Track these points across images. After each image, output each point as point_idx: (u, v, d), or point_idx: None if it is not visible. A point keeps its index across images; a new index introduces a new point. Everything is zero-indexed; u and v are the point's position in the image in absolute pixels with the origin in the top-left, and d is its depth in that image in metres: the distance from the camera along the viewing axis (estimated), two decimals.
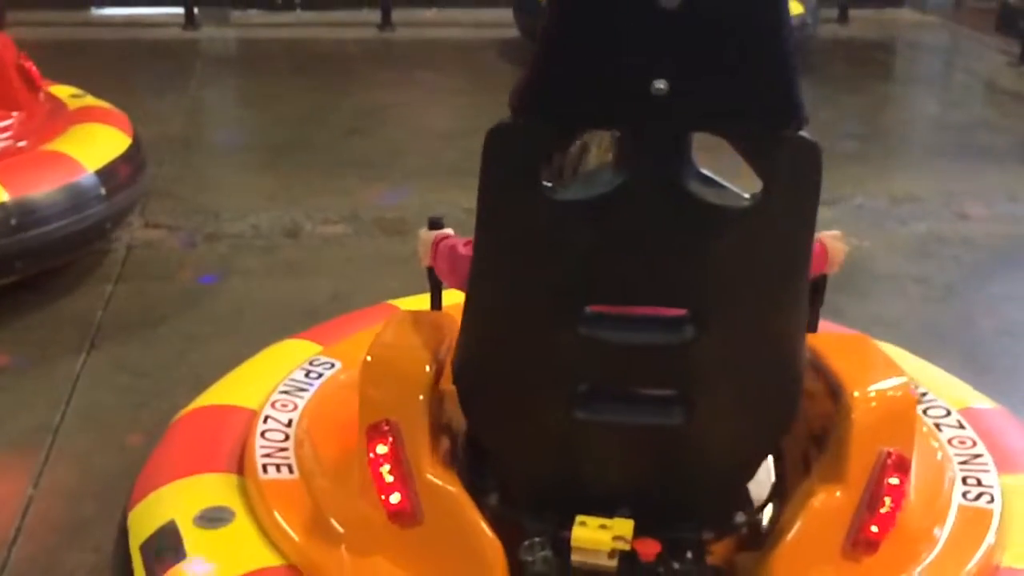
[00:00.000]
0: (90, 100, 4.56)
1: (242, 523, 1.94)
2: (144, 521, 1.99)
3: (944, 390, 2.40)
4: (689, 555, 1.75)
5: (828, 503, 1.76)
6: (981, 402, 2.40)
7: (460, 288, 1.81)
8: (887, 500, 1.76)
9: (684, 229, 1.56)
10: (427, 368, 1.78)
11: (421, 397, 1.76)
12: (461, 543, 1.74)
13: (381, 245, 4.53)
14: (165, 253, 4.46)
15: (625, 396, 1.71)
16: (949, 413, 2.30)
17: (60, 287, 4.07)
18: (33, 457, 3.02)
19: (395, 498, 1.76)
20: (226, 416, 2.29)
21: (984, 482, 2.07)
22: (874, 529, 1.77)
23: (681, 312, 1.62)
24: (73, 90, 4.64)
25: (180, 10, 8.69)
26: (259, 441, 2.12)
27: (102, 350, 3.63)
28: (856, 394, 1.78)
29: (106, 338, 3.71)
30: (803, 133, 1.52)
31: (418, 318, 1.95)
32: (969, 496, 2.02)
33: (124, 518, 2.06)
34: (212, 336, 3.71)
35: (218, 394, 2.41)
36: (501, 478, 1.84)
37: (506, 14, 8.15)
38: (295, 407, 2.24)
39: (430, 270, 2.05)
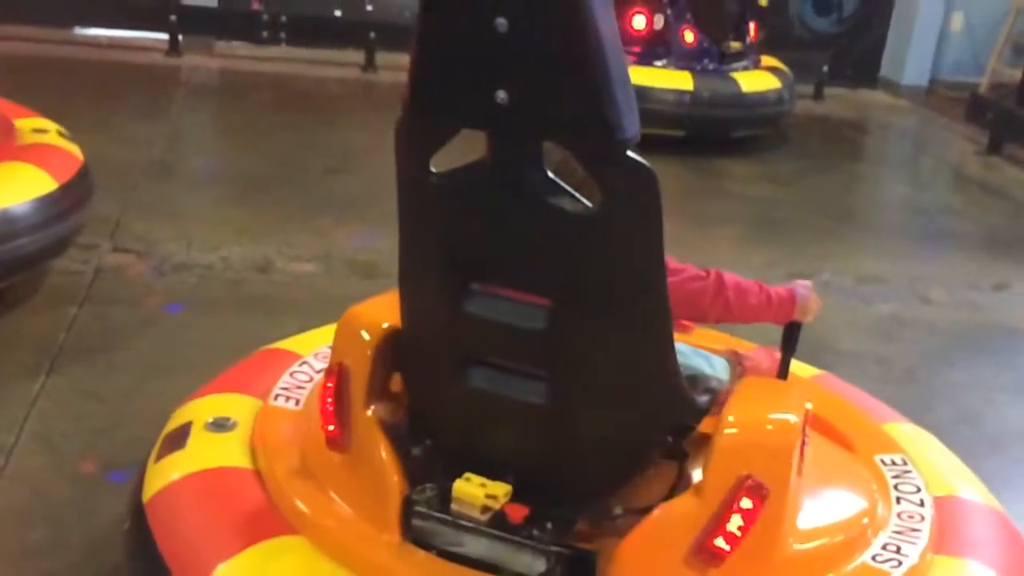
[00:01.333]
0: (51, 139, 4.25)
1: (239, 434, 2.36)
2: (175, 420, 2.48)
3: (937, 475, 2.48)
4: (549, 526, 1.92)
5: (677, 508, 1.90)
6: (974, 495, 2.46)
7: None
8: (736, 518, 1.85)
9: (530, 226, 1.78)
10: (382, 327, 2.09)
11: (369, 352, 2.08)
12: (372, 474, 2.05)
13: (351, 286, 4.52)
14: (133, 279, 4.43)
15: (501, 371, 1.92)
16: (918, 490, 2.39)
17: (23, 305, 4.03)
18: None
19: (331, 427, 2.11)
20: (280, 358, 2.73)
21: (903, 551, 2.15)
22: (718, 542, 1.86)
23: (542, 301, 1.82)
24: (41, 124, 4.39)
25: (164, 36, 8.70)
26: (285, 377, 2.57)
27: (62, 373, 3.59)
28: (730, 417, 1.91)
29: (67, 361, 3.67)
30: (632, 155, 1.67)
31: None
32: (878, 559, 2.12)
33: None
34: (174, 367, 3.67)
35: (289, 342, 2.85)
36: (424, 433, 2.10)
37: None
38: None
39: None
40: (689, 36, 7.35)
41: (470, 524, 1.94)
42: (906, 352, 4.51)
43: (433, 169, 1.82)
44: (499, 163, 1.75)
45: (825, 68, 9.63)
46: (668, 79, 7.09)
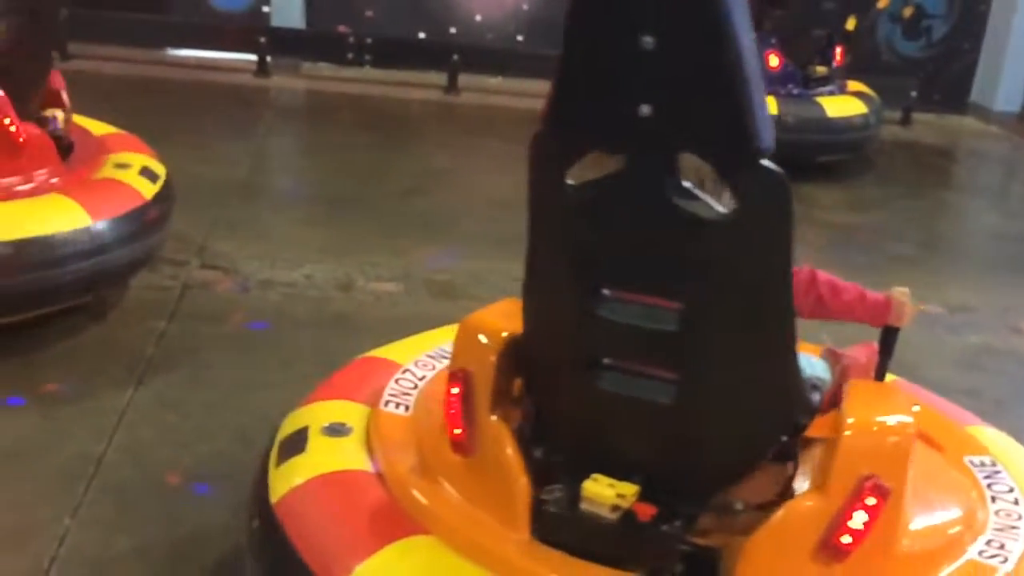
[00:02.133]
0: (125, 175, 4.17)
1: (355, 438, 2.45)
2: (289, 425, 2.55)
3: None
4: (678, 523, 2.00)
5: (804, 506, 1.97)
6: None
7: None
8: (860, 515, 1.93)
9: (666, 232, 1.85)
10: (503, 335, 2.16)
11: (492, 358, 2.15)
12: (500, 476, 2.11)
13: (429, 307, 4.56)
14: (219, 295, 4.52)
15: (630, 373, 2.00)
16: (1012, 490, 2.44)
17: (115, 319, 4.14)
18: (73, 487, 3.05)
19: (457, 431, 2.16)
20: (381, 366, 2.81)
21: (1007, 547, 2.21)
22: (845, 539, 1.94)
23: (674, 305, 1.90)
24: (131, 159, 4.32)
25: (253, 57, 8.91)
26: (391, 384, 2.66)
27: (149, 386, 3.68)
28: (851, 420, 1.98)
29: (154, 374, 3.76)
30: (767, 163, 1.75)
31: (515, 303, 2.27)
32: (984, 554, 2.18)
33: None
34: (257, 383, 3.74)
35: (387, 350, 2.92)
36: (547, 436, 2.18)
37: None
38: (434, 368, 2.74)
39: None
40: (774, 60, 7.28)
41: (601, 522, 2.01)
42: (995, 383, 4.39)
43: (570, 181, 1.90)
44: (637, 174, 1.83)
45: (913, 93, 9.47)
46: None
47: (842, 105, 7.36)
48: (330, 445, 2.43)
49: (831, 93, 7.43)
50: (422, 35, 9.55)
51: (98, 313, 4.12)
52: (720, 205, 1.85)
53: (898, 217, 6.74)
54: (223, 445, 3.33)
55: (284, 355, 4.00)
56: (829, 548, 1.94)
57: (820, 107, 7.20)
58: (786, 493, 2.08)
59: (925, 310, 2.32)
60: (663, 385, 1.97)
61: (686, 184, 1.84)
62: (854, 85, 7.77)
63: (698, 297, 1.88)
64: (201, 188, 5.39)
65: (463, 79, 8.95)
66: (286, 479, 2.34)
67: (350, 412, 2.56)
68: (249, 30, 9.05)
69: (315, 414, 2.56)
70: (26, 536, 2.82)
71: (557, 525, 2.06)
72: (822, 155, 7.34)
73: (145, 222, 4.06)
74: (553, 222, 1.96)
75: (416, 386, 2.66)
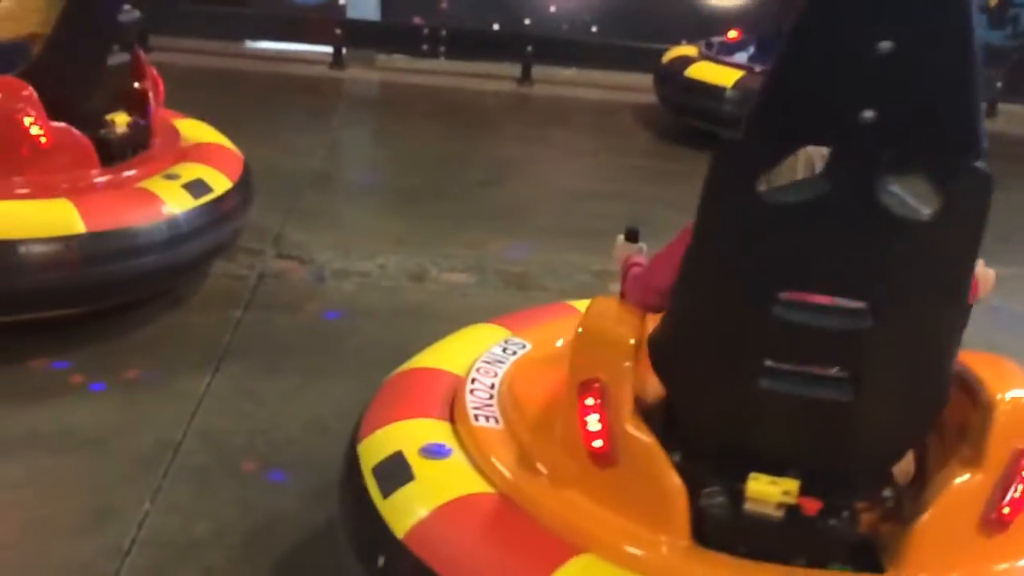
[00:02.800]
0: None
1: (459, 458, 2.36)
2: (374, 450, 2.42)
3: None
4: (845, 515, 2.03)
5: (967, 484, 2.06)
6: None
7: (645, 309, 2.24)
8: (1020, 487, 2.04)
9: (870, 233, 1.86)
10: (631, 340, 2.14)
11: (627, 363, 2.12)
12: (650, 484, 2.09)
13: (503, 298, 4.56)
14: (294, 284, 4.58)
15: (804, 372, 2.01)
16: None
17: (193, 307, 4.22)
18: (153, 472, 3.11)
19: (598, 443, 2.12)
20: (435, 377, 2.72)
21: None
22: (1006, 510, 2.05)
23: (859, 304, 1.91)
24: (180, 170, 4.28)
25: (329, 49, 8.99)
26: (469, 397, 2.55)
27: (226, 374, 3.74)
28: (998, 396, 2.08)
29: (231, 362, 3.82)
30: (980, 164, 1.77)
31: (616, 303, 2.33)
32: None
33: (353, 450, 2.48)
34: (332, 372, 3.78)
35: (426, 359, 2.82)
36: (686, 438, 2.14)
37: (645, 79, 8.19)
38: (496, 374, 2.66)
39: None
40: None
41: (768, 521, 2.03)
42: None
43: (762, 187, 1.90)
44: (846, 177, 1.83)
45: (999, 84, 9.21)
46: None
47: None
48: (437, 468, 2.33)
49: None
50: (496, 26, 9.54)
51: (176, 302, 4.19)
52: (922, 205, 1.86)
53: None
54: (297, 433, 3.38)
55: (357, 344, 4.03)
56: (992, 521, 2.06)
57: None
58: (921, 475, 2.17)
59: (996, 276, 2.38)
60: (835, 382, 1.99)
61: (893, 187, 1.85)
62: None
63: (887, 295, 1.90)
64: (276, 179, 5.45)
65: (537, 70, 8.93)
66: (407, 511, 2.23)
67: (434, 431, 2.47)
68: (325, 22, 9.12)
69: (399, 436, 2.45)
70: (108, 519, 2.89)
71: (722, 527, 2.05)
72: None
73: (146, 245, 3.89)
74: (734, 228, 1.93)
75: (491, 396, 2.57)
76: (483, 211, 5.74)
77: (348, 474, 2.45)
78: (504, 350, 2.78)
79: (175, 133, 4.53)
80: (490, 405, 2.53)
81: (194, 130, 4.68)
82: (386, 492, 2.30)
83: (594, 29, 9.75)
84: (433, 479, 2.30)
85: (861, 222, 1.85)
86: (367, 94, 8.61)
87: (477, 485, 2.28)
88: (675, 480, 2.08)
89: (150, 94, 4.39)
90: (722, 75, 7.13)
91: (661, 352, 2.10)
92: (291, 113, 7.50)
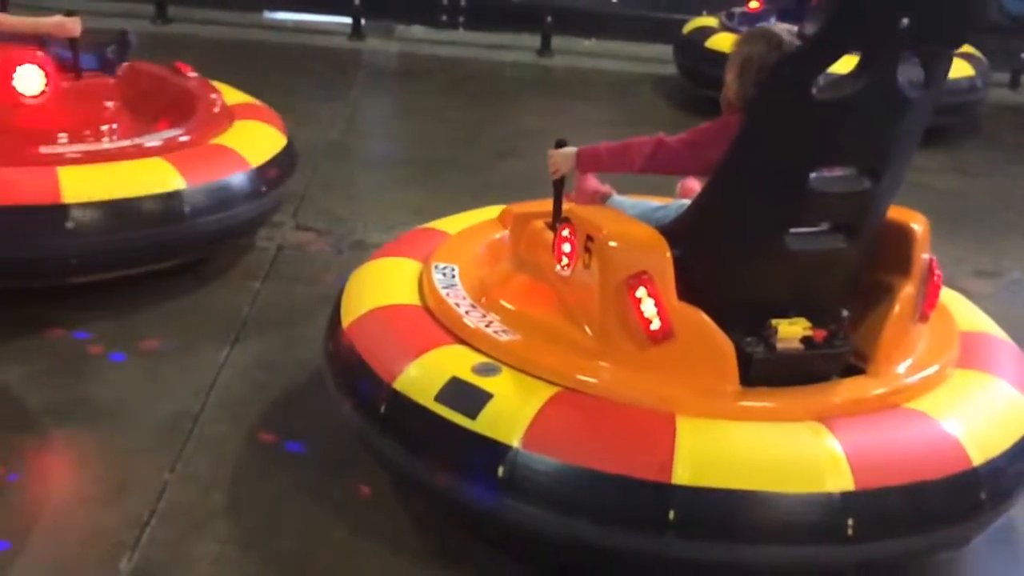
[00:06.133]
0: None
1: (510, 372, 2.56)
2: (422, 383, 2.58)
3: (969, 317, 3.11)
4: (842, 336, 2.61)
5: (908, 294, 2.72)
6: (997, 332, 3.07)
7: (684, 173, 2.98)
8: (934, 289, 2.81)
9: (891, 115, 2.49)
10: (659, 237, 2.56)
11: (668, 255, 2.53)
12: (706, 348, 2.51)
13: None
14: (312, 256, 4.58)
15: (817, 230, 2.59)
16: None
17: (212, 278, 4.22)
18: (172, 443, 3.13)
19: (655, 324, 2.50)
20: (403, 312, 2.89)
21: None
22: (929, 310, 2.81)
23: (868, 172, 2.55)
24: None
25: (348, 20, 8.95)
26: (469, 321, 2.74)
27: (245, 345, 3.75)
28: (913, 225, 2.77)
29: (250, 334, 3.83)
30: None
31: (615, 212, 2.83)
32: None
33: (390, 391, 2.60)
34: None
35: (371, 301, 2.97)
36: (704, 307, 2.53)
37: (665, 51, 8.13)
38: (464, 297, 2.87)
39: (556, 183, 2.96)
40: None
41: (795, 353, 2.56)
42: None
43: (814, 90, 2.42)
44: (880, 73, 2.42)
45: (1023, 55, 9.09)
46: (848, 65, 6.83)
47: None
48: (503, 383, 2.52)
49: None
50: None
51: (196, 273, 4.20)
52: (915, 85, 2.49)
53: (1005, 183, 6.49)
54: (314, 405, 3.38)
55: None
56: (923, 317, 2.80)
57: None
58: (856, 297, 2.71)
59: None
60: (836, 234, 2.58)
61: (905, 74, 2.43)
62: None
63: (886, 162, 2.53)
64: (296, 149, 5.43)
65: (556, 41, 8.87)
66: (512, 420, 2.42)
67: (467, 354, 2.64)
68: None
69: (442, 363, 2.61)
70: (127, 489, 2.91)
71: (763, 366, 2.53)
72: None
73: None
74: (787, 121, 2.44)
75: (485, 316, 2.77)
76: (502, 182, 5.71)
77: (389, 410, 2.58)
78: (444, 274, 2.98)
79: (217, 91, 4.61)
80: (491, 324, 2.72)
81: (226, 93, 4.72)
82: (471, 414, 2.46)
83: (613, 0, 9.67)
84: (511, 390, 2.50)
85: (886, 107, 2.46)
86: (386, 65, 8.57)
87: (547, 389, 2.49)
88: (725, 338, 2.50)
89: None
90: None
91: (688, 237, 2.55)
92: (309, 84, 7.47)
